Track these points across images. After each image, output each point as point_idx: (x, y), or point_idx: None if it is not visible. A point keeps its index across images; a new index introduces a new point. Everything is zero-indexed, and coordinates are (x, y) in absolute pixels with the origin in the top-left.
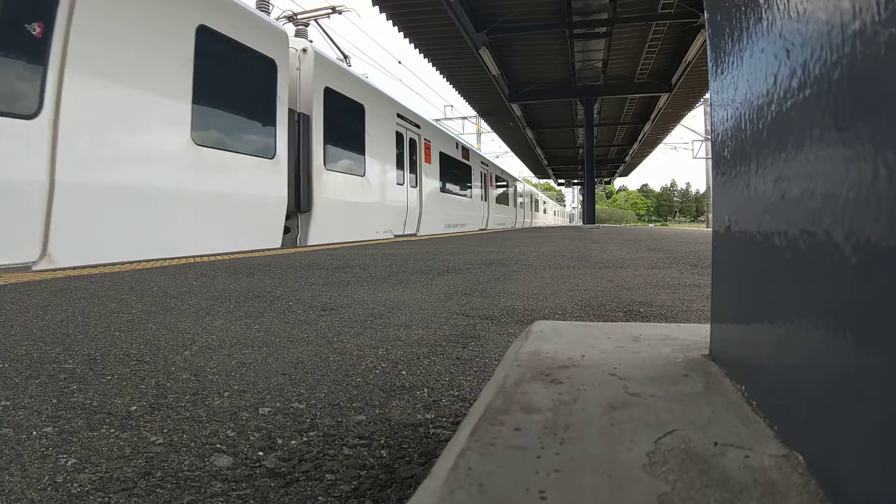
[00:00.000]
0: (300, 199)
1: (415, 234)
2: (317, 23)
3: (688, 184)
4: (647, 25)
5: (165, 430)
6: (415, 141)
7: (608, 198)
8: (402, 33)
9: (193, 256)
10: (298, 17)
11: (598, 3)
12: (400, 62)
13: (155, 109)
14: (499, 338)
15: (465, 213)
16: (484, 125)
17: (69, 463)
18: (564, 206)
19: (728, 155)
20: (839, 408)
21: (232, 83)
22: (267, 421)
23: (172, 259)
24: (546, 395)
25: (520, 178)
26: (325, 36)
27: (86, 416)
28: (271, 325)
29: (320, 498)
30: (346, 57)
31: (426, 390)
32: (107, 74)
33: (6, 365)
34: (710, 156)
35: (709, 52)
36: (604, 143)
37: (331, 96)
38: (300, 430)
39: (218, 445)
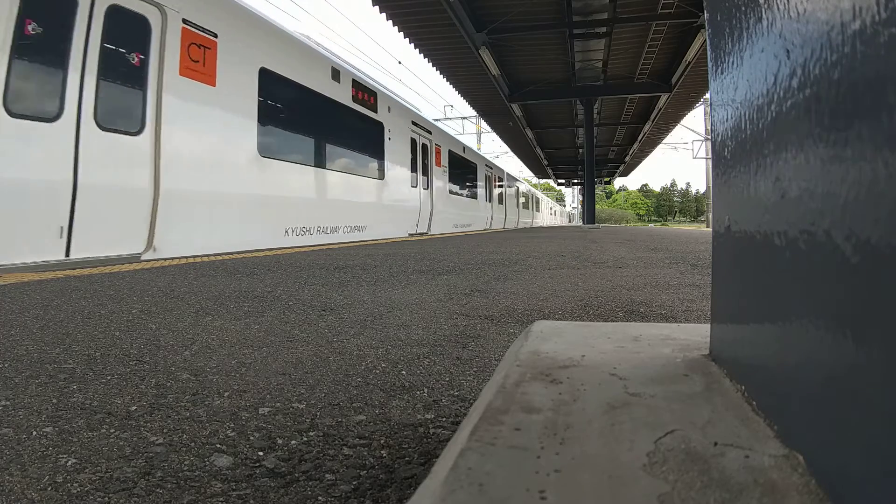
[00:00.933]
0: None
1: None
2: None
3: (688, 184)
4: (647, 25)
5: (165, 430)
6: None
7: (608, 198)
8: (402, 33)
9: (204, 256)
10: None
11: (598, 3)
12: (400, 62)
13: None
14: (499, 338)
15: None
16: (484, 125)
17: (69, 463)
18: (564, 205)
19: (728, 155)
20: (839, 408)
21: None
22: (267, 421)
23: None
24: (546, 395)
25: (520, 178)
26: None
27: (86, 416)
28: (271, 325)
29: (320, 498)
30: None
31: (426, 390)
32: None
33: (6, 365)
34: (710, 156)
35: (709, 52)
36: (604, 143)
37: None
38: (300, 430)
39: (218, 445)
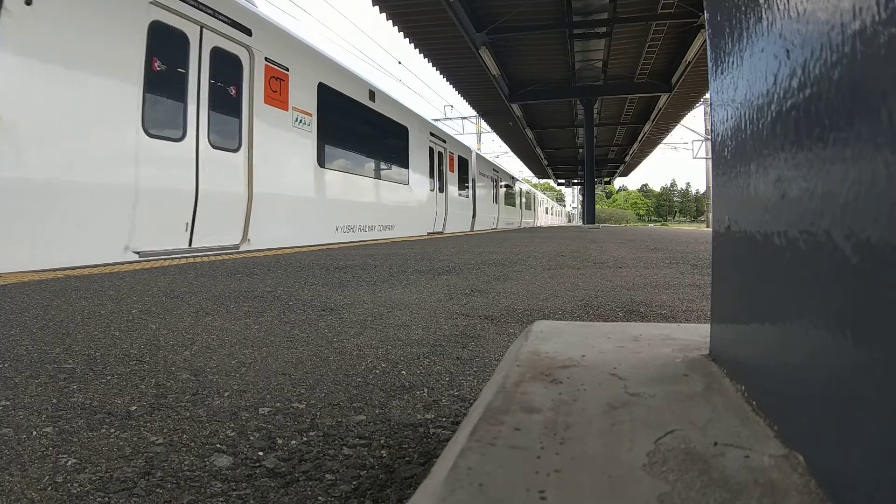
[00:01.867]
0: None
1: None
2: None
3: (688, 184)
4: (647, 25)
5: (165, 430)
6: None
7: (608, 198)
8: (402, 33)
9: (204, 256)
10: None
11: (598, 3)
12: (400, 62)
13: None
14: (499, 338)
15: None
16: (484, 125)
17: (69, 463)
18: (564, 205)
19: (728, 155)
20: (839, 408)
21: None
22: (267, 421)
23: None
24: (546, 395)
25: (520, 179)
26: None
27: (86, 416)
28: (271, 325)
29: (320, 498)
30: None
31: (426, 390)
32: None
33: (6, 365)
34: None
35: (709, 52)
36: (604, 143)
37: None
38: (300, 430)
39: (218, 445)
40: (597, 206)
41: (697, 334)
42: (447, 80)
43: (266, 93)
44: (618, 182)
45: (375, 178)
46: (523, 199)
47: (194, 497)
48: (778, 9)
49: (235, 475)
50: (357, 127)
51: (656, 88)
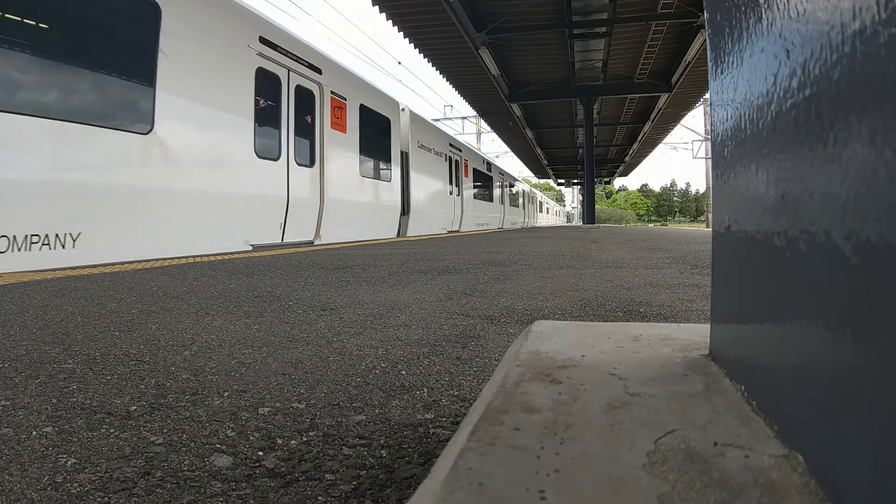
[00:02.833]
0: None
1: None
2: None
3: (688, 184)
4: (646, 25)
5: (165, 430)
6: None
7: (608, 198)
8: (401, 33)
9: (196, 256)
10: None
11: (598, 3)
12: (400, 62)
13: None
14: (499, 338)
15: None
16: (484, 125)
17: (69, 463)
18: (564, 205)
19: (728, 155)
20: (839, 408)
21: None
22: (267, 421)
23: (174, 258)
24: (546, 395)
25: (520, 179)
26: None
27: (86, 416)
28: (271, 325)
29: (320, 498)
30: None
31: (426, 390)
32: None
33: (6, 365)
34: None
35: (709, 52)
36: (604, 143)
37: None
38: (300, 430)
39: (218, 445)
40: (597, 206)
41: (697, 334)
42: (447, 80)
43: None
44: (618, 182)
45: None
46: (528, 202)
47: (194, 497)
48: (778, 9)
49: (235, 475)
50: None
51: (656, 88)
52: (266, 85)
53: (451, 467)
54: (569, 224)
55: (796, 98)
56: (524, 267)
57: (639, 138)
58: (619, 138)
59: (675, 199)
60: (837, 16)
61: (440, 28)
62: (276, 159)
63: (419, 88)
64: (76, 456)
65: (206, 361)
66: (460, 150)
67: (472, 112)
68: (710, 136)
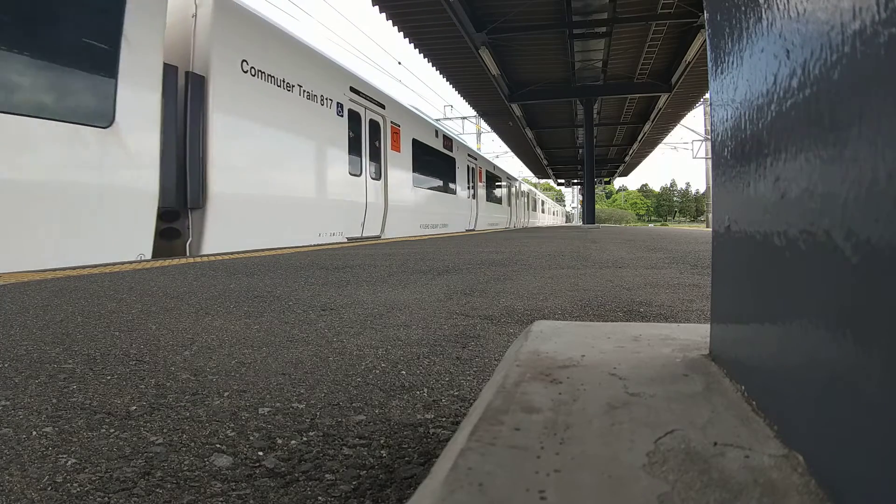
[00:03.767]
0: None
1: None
2: None
3: (688, 184)
4: (646, 25)
5: (165, 430)
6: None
7: (608, 198)
8: (401, 33)
9: (204, 256)
10: None
11: (598, 3)
12: (400, 63)
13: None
14: (499, 338)
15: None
16: (484, 125)
17: (69, 463)
18: (564, 205)
19: (728, 155)
20: (839, 408)
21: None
22: (267, 421)
23: (170, 261)
24: (546, 395)
25: (520, 179)
26: None
27: (86, 416)
28: (271, 325)
29: (320, 498)
30: None
31: (426, 390)
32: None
33: (6, 365)
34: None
35: (709, 52)
36: (604, 143)
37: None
38: (300, 430)
39: (218, 445)
40: (597, 206)
41: (697, 334)
42: (447, 80)
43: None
44: (618, 182)
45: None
46: (531, 203)
47: (194, 497)
48: (778, 9)
49: (235, 475)
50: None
51: (656, 88)
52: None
53: (451, 467)
54: (568, 224)
55: (796, 98)
56: (524, 267)
57: (639, 138)
58: (619, 138)
59: (675, 199)
60: (837, 16)
61: (440, 28)
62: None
63: (419, 88)
64: (76, 456)
65: (206, 361)
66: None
67: (472, 112)
68: (710, 136)
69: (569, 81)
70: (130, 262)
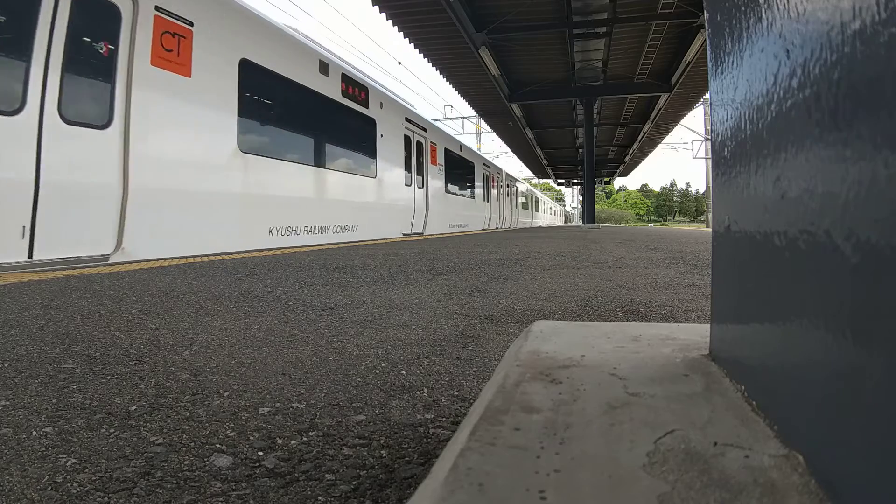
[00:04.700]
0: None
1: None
2: None
3: (688, 184)
4: (646, 25)
5: (165, 430)
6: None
7: (608, 198)
8: (401, 33)
9: (198, 256)
10: None
11: (598, 3)
12: (400, 63)
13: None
14: (499, 338)
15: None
16: (484, 125)
17: (69, 463)
18: (564, 205)
19: (728, 155)
20: (839, 408)
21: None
22: (267, 421)
23: (174, 259)
24: (546, 395)
25: (519, 180)
26: None
27: (85, 416)
28: (271, 325)
29: (320, 498)
30: None
31: (426, 390)
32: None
33: (6, 365)
34: (710, 156)
35: (709, 52)
36: (604, 143)
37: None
38: (300, 430)
39: (218, 445)
40: (597, 206)
41: (697, 334)
42: (447, 80)
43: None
44: (618, 182)
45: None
46: (534, 204)
47: (194, 497)
48: (778, 9)
49: (235, 475)
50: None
51: (656, 88)
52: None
53: (451, 467)
54: (568, 224)
55: (796, 98)
56: (524, 267)
57: (639, 138)
58: (619, 138)
59: (675, 199)
60: (837, 16)
61: (440, 28)
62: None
63: (419, 88)
64: (76, 456)
65: (206, 361)
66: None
67: (472, 112)
68: (710, 136)
69: (569, 81)
70: (130, 262)
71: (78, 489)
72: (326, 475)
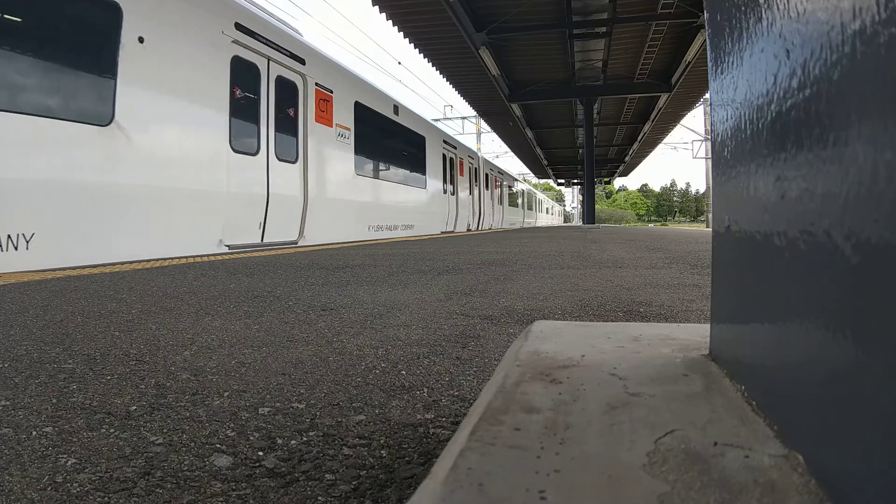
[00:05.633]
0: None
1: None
2: None
3: (688, 184)
4: (646, 25)
5: (165, 430)
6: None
7: (608, 198)
8: (401, 33)
9: (196, 256)
10: None
11: (598, 3)
12: (400, 63)
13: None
14: (499, 338)
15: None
16: (484, 125)
17: (69, 463)
18: (564, 205)
19: (728, 155)
20: (839, 408)
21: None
22: (267, 421)
23: (173, 259)
24: (546, 395)
25: (520, 179)
26: None
27: (86, 416)
28: (271, 325)
29: (320, 498)
30: None
31: (426, 390)
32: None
33: (6, 365)
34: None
35: (709, 52)
36: (604, 143)
37: (491, 173)
38: (300, 430)
39: (218, 445)
40: (597, 206)
41: (697, 334)
42: (447, 80)
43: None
44: (618, 182)
45: (504, 203)
46: (537, 205)
47: (194, 497)
48: (778, 9)
49: (235, 475)
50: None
51: (656, 88)
52: (444, 160)
53: (451, 467)
54: (568, 224)
55: (796, 98)
56: (524, 267)
57: (639, 138)
58: (619, 138)
59: (675, 199)
60: (837, 16)
61: (440, 28)
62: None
63: (419, 88)
64: (76, 456)
65: (206, 361)
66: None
67: (472, 112)
68: (710, 136)
69: (569, 81)
70: (130, 262)
71: (78, 489)
72: (326, 475)
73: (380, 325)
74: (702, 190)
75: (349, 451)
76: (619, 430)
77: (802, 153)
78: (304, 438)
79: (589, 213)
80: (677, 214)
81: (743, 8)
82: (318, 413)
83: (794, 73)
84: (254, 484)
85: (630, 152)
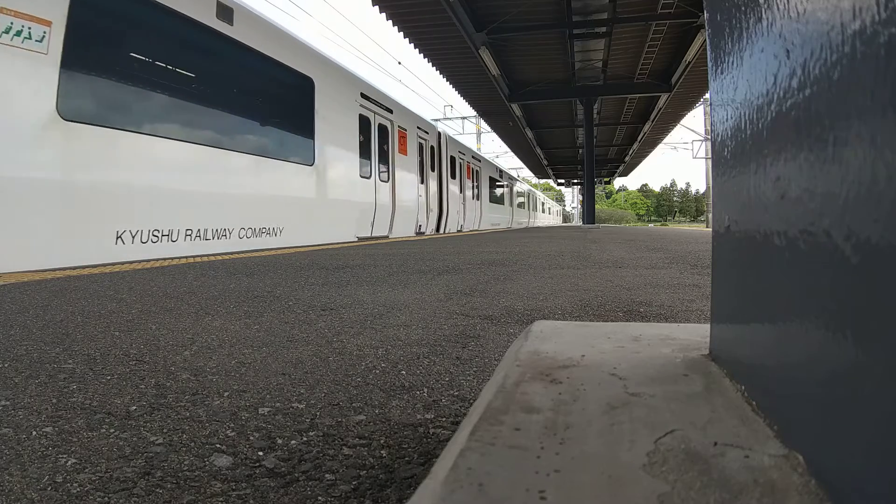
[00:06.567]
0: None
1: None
2: None
3: (688, 184)
4: (646, 25)
5: (165, 430)
6: (512, 187)
7: (608, 198)
8: (401, 33)
9: (198, 256)
10: None
11: (598, 3)
12: (400, 62)
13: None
14: (499, 338)
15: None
16: (484, 125)
17: (69, 463)
18: (564, 205)
19: (728, 155)
20: (839, 408)
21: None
22: (267, 421)
23: (174, 259)
24: (546, 395)
25: (520, 179)
26: None
27: (86, 416)
28: (271, 325)
29: (320, 498)
30: None
31: (426, 390)
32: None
33: (6, 365)
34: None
35: (709, 52)
36: (604, 143)
37: (496, 177)
38: (300, 430)
39: (218, 445)
40: (597, 206)
41: (697, 334)
42: (447, 80)
43: (491, 190)
44: (618, 182)
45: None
46: (539, 206)
47: (194, 497)
48: (778, 9)
49: (235, 475)
50: (497, 189)
51: (656, 88)
52: (494, 186)
53: (451, 467)
54: (567, 224)
55: (796, 98)
56: (524, 267)
57: (639, 138)
58: (619, 138)
59: (675, 199)
60: (837, 16)
61: (440, 28)
62: (479, 199)
63: (419, 88)
64: (76, 456)
65: (206, 361)
66: (512, 178)
67: (472, 112)
68: (710, 136)
69: (569, 81)
70: (130, 262)
71: (78, 489)
72: (326, 475)
73: (380, 325)
74: (702, 190)
75: (349, 451)
76: (619, 430)
77: (802, 153)
78: (304, 438)
79: (589, 212)
80: (677, 214)
81: (743, 8)
82: (318, 413)
83: (794, 73)
84: (254, 484)
85: (630, 152)
